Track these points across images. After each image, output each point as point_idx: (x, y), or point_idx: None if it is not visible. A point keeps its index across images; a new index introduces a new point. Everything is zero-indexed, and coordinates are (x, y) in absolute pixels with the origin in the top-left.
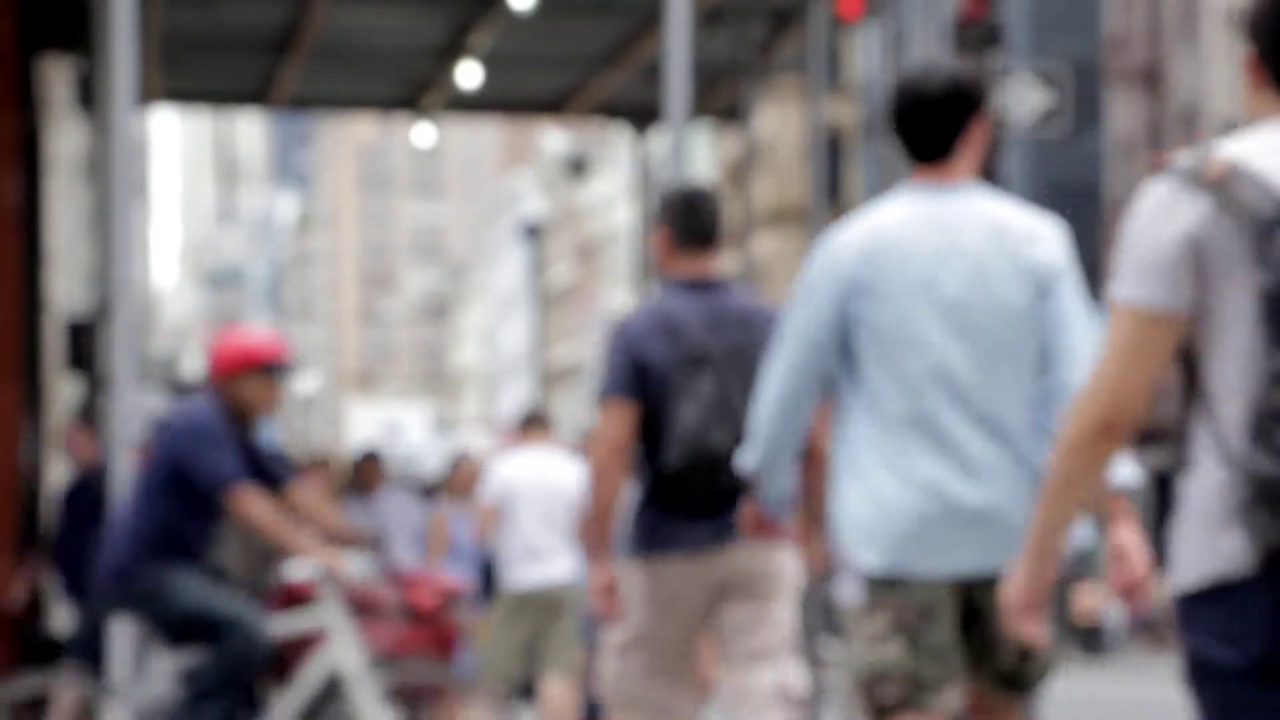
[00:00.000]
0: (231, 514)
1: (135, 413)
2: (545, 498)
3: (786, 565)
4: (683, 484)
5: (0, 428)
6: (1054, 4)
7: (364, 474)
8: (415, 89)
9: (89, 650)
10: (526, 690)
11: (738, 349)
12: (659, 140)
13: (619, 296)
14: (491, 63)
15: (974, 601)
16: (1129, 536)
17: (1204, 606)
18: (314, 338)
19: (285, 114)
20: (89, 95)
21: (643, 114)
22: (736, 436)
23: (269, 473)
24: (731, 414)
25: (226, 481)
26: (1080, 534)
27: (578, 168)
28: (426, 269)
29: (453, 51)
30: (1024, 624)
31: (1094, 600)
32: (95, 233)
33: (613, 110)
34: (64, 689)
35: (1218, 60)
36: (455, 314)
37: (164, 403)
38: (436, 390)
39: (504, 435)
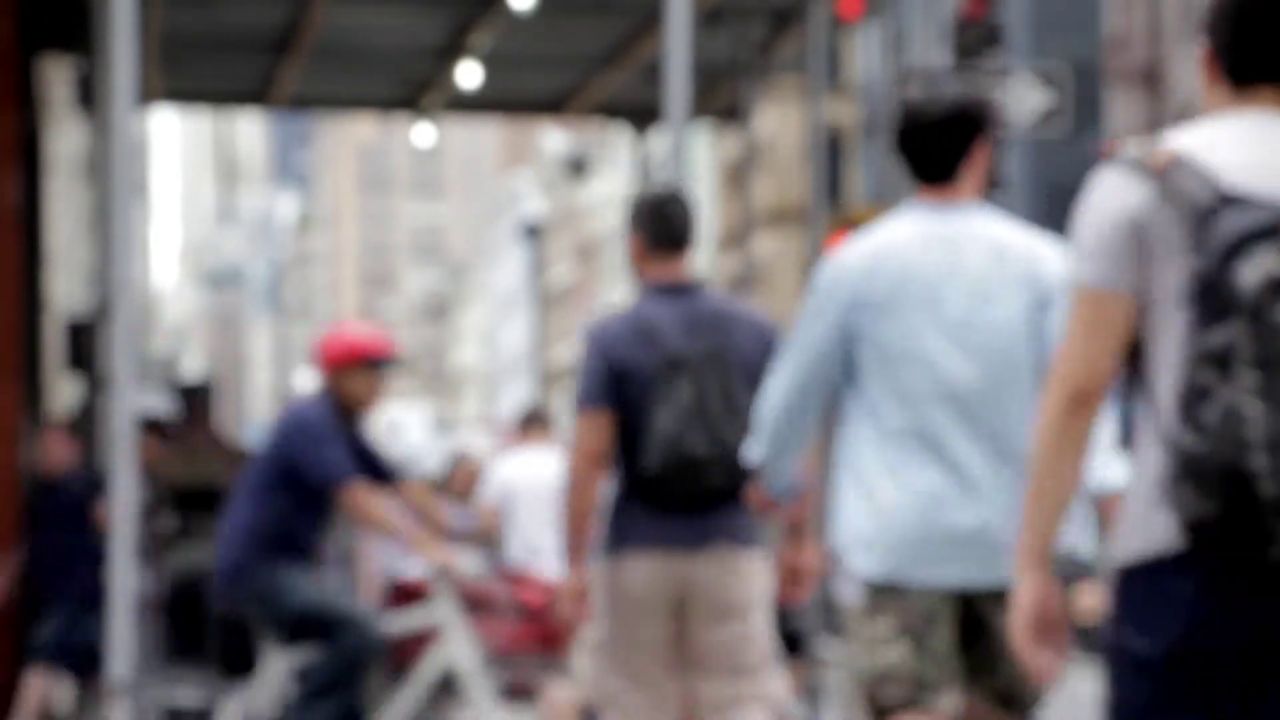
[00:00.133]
0: (344, 510)
1: (135, 412)
2: (545, 497)
3: (758, 575)
4: (660, 487)
5: (0, 428)
6: (1054, 4)
7: None
8: (415, 89)
9: (62, 651)
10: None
11: (714, 352)
12: (659, 140)
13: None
14: (491, 63)
15: (973, 615)
16: None
17: (1130, 587)
18: (314, 338)
19: (285, 114)
20: (89, 95)
21: (643, 114)
22: (714, 440)
23: (379, 468)
24: (708, 418)
25: (338, 478)
26: (1081, 543)
27: (578, 168)
28: (426, 269)
29: (453, 51)
30: (1034, 653)
31: (1094, 600)
32: (95, 233)
33: (613, 110)
34: (33, 689)
35: None
36: (455, 314)
37: (162, 402)
38: (436, 390)
39: (504, 435)
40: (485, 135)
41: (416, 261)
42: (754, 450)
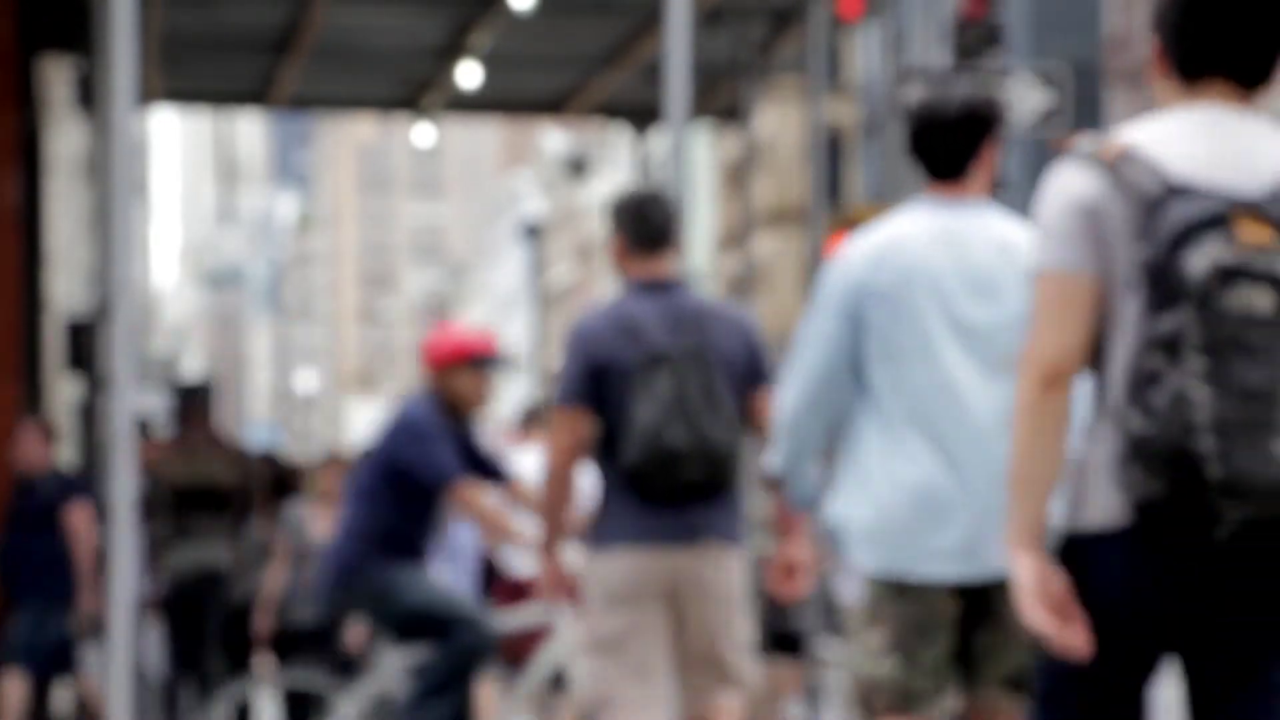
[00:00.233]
0: (454, 509)
1: (135, 412)
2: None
3: (736, 572)
4: (641, 481)
5: (0, 428)
6: (1054, 4)
7: None
8: (415, 89)
9: (29, 652)
10: None
11: (695, 349)
12: (659, 140)
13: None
14: (491, 63)
15: (976, 604)
16: None
17: (1076, 556)
18: (314, 338)
19: (285, 114)
20: (89, 95)
21: (643, 114)
22: (693, 434)
23: (487, 467)
24: (689, 412)
25: (447, 477)
26: None
27: (578, 168)
28: (426, 269)
29: (453, 51)
30: (1052, 630)
31: None
32: (95, 233)
33: (613, 110)
34: (10, 690)
35: None
36: (455, 314)
37: (161, 402)
38: None
39: (504, 434)
40: (485, 135)
41: (416, 261)
42: (773, 459)
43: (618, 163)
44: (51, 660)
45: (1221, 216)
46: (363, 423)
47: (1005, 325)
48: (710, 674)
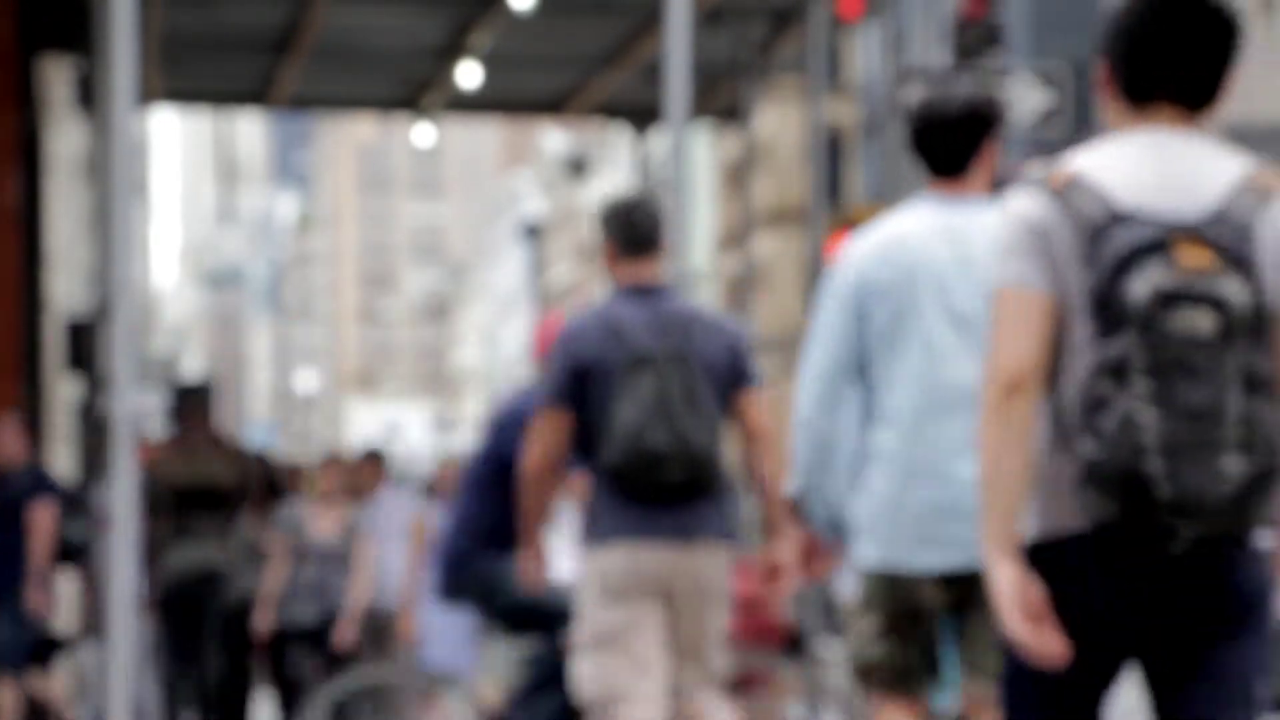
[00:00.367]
0: (571, 498)
1: (135, 412)
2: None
3: (722, 570)
4: (623, 481)
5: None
6: (1054, 4)
7: (365, 473)
8: (415, 89)
9: (13, 653)
10: None
11: (679, 353)
12: (659, 140)
13: None
14: (491, 63)
15: (972, 595)
16: None
17: (1038, 565)
18: (314, 338)
19: (285, 114)
20: (89, 95)
21: (643, 114)
22: (675, 436)
23: None
24: (671, 414)
25: None
26: None
27: (578, 168)
28: (426, 269)
29: (453, 51)
30: (1031, 638)
31: None
32: (95, 233)
33: (613, 110)
34: (6, 693)
35: None
36: (455, 314)
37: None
38: (436, 390)
39: None
40: (485, 135)
41: (416, 261)
42: (790, 483)
43: (618, 163)
44: (26, 656)
45: (1162, 242)
46: (363, 423)
47: None
48: (696, 671)
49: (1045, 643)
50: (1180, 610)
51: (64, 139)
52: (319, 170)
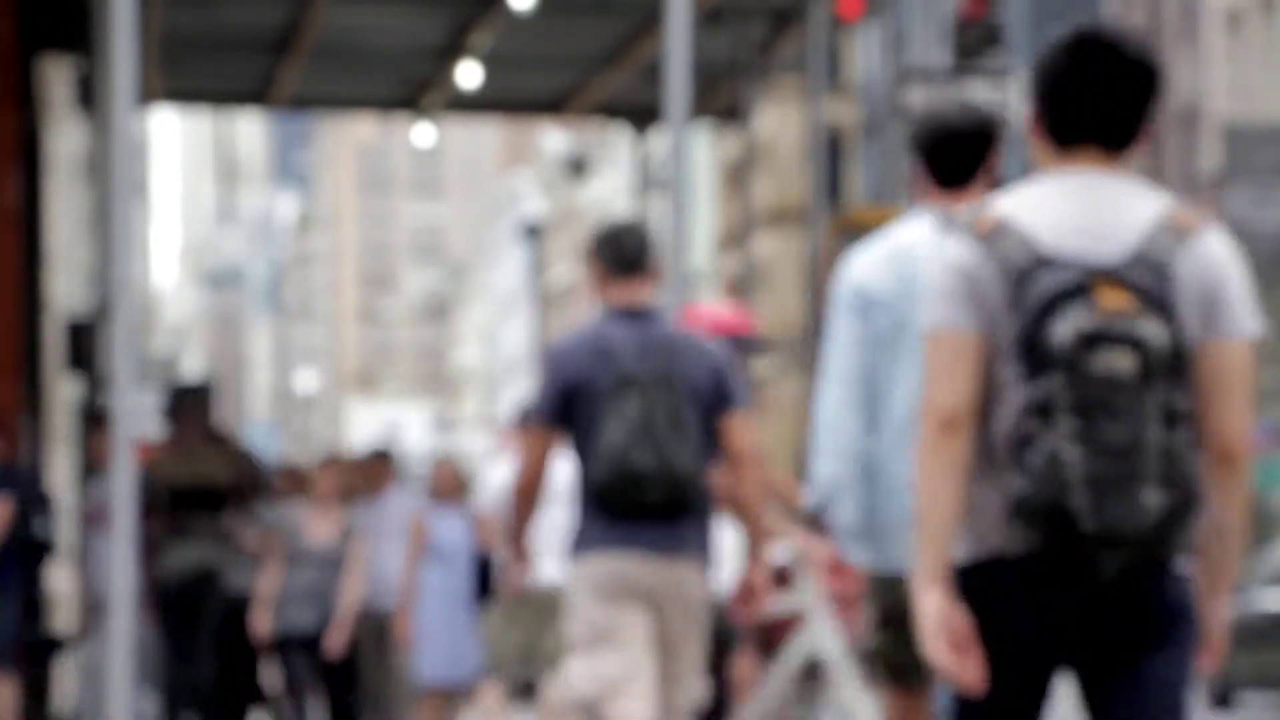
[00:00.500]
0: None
1: (135, 412)
2: (544, 499)
3: (703, 587)
4: (606, 499)
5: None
6: (1054, 4)
7: (373, 473)
8: (415, 89)
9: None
10: (527, 690)
11: (664, 374)
12: (659, 140)
13: None
14: (491, 63)
15: None
16: None
17: (969, 589)
18: (314, 338)
19: (285, 114)
20: (89, 95)
21: (643, 114)
22: (659, 457)
23: None
24: (655, 435)
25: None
26: None
27: (578, 168)
28: (426, 269)
29: (453, 51)
30: (952, 667)
31: None
32: (95, 233)
33: (613, 110)
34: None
35: (1217, 60)
36: (455, 314)
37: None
38: (436, 390)
39: (504, 435)
40: (485, 135)
41: (416, 261)
42: (814, 487)
43: (618, 163)
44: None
45: (1083, 285)
46: (363, 423)
47: None
48: (668, 687)
49: (966, 670)
50: (1106, 632)
51: (64, 139)
52: (319, 170)
